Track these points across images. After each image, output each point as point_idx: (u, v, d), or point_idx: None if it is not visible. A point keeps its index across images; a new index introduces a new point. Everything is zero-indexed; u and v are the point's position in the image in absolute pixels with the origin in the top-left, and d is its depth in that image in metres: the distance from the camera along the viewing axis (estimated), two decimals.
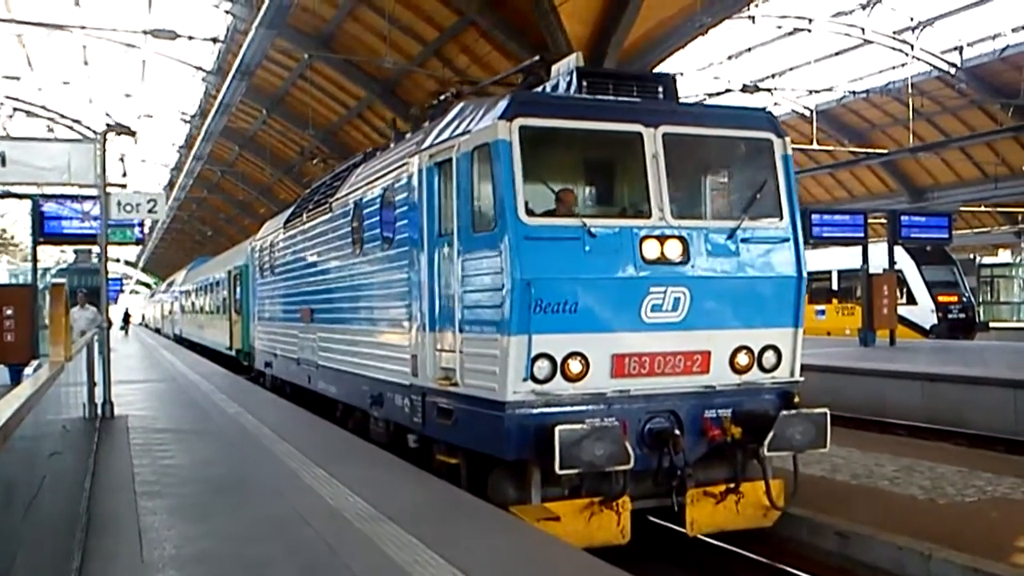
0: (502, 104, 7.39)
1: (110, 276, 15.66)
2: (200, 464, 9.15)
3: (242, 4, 25.37)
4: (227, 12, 26.83)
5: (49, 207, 25.18)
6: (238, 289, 23.29)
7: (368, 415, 10.83)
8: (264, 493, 7.67)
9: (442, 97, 10.18)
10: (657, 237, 7.32)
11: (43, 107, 19.87)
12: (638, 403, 7.28)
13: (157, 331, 56.94)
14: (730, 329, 7.56)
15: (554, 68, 8.32)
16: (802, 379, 7.96)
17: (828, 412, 7.50)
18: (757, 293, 7.67)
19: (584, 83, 7.90)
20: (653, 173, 7.45)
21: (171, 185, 46.41)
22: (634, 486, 7.19)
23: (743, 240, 7.63)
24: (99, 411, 12.58)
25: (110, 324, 14.09)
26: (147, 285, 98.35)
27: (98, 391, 12.73)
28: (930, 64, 29.29)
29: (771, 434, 7.19)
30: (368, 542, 5.99)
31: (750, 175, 8.23)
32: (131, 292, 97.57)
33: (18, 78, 34.48)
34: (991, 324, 32.21)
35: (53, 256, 50.16)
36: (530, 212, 7.12)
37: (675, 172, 7.58)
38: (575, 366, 7.09)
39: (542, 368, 7.02)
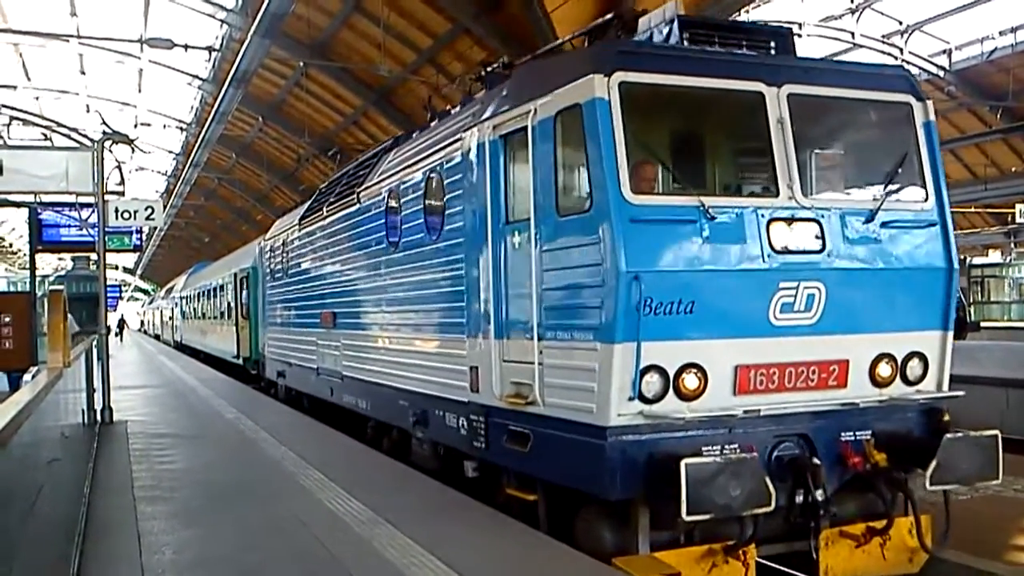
0: (596, 56, 6.14)
1: (108, 283, 15.73)
2: (199, 469, 9.21)
3: (237, 13, 25.46)
4: (222, 21, 26.90)
5: (47, 215, 25.25)
6: (245, 293, 21.66)
7: (409, 435, 9.41)
8: (263, 497, 7.74)
9: (492, 67, 8.66)
10: (786, 220, 6.10)
11: (40, 116, 19.92)
12: (764, 426, 5.99)
13: (156, 337, 56.35)
14: (871, 333, 6.32)
15: (642, 20, 7.01)
16: (960, 393, 6.64)
17: (999, 436, 6.22)
18: (901, 289, 6.41)
19: (686, 35, 6.51)
20: (779, 141, 6.22)
21: (168, 192, 46.43)
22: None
23: (883, 224, 6.35)
24: (98, 416, 12.64)
25: (109, 330, 14.14)
26: (145, 292, 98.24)
27: (97, 396, 12.80)
28: (919, 67, 29.39)
29: (934, 463, 5.90)
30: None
31: (887, 146, 6.94)
32: (129, 299, 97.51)
33: (15, 87, 34.58)
34: (982, 324, 32.27)
35: (51, 264, 50.13)
36: (637, 189, 5.86)
37: (802, 141, 6.36)
38: (691, 381, 5.86)
39: (652, 384, 5.78)
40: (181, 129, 40.07)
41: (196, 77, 32.96)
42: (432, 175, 8.42)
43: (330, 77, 28.42)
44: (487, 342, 7.15)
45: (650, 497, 5.77)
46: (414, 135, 10.41)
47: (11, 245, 64.03)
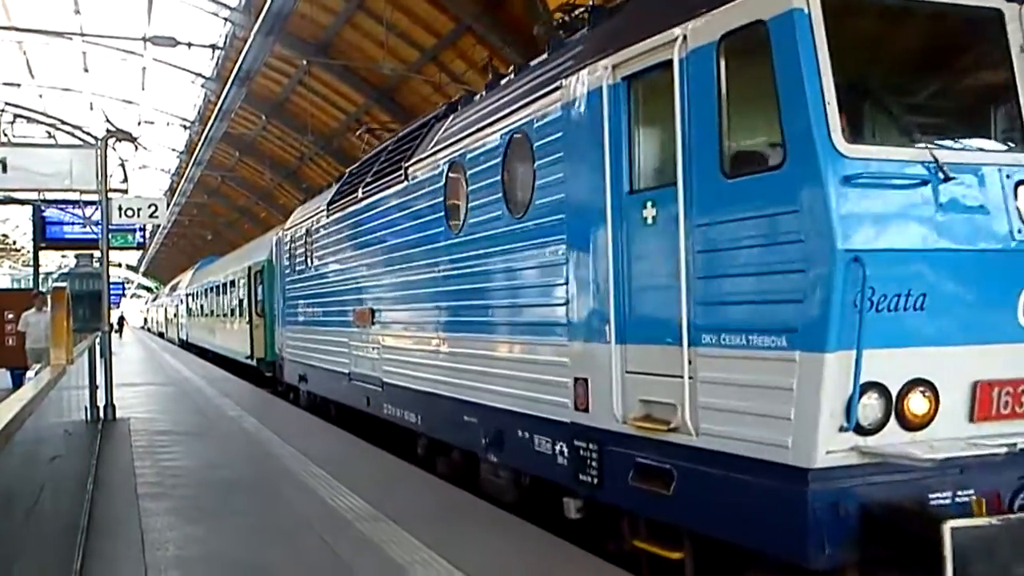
0: None
1: (111, 281, 15.76)
2: (202, 466, 9.22)
3: (240, 11, 25.47)
4: (226, 20, 26.91)
5: (51, 212, 25.34)
6: (260, 289, 20.04)
7: (477, 459, 7.80)
8: (267, 495, 7.75)
9: (580, 10, 7.16)
10: None
11: (44, 113, 19.97)
12: (1007, 464, 4.40)
13: (160, 335, 55.75)
14: None
15: None
16: None
17: None
18: None
19: None
20: None
21: (172, 190, 46.46)
22: None
23: None
24: (101, 414, 12.66)
25: (111, 327, 14.17)
26: (148, 289, 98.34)
27: (100, 394, 12.82)
28: None
29: None
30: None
31: None
32: (132, 296, 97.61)
33: (19, 85, 34.59)
34: None
35: (55, 261, 50.19)
36: (851, 138, 4.36)
37: None
38: (919, 403, 4.36)
39: (870, 408, 4.29)
40: (184, 127, 40.10)
41: (199, 75, 32.96)
42: (515, 138, 6.86)
43: (333, 75, 28.39)
44: (602, 347, 5.60)
45: (868, 566, 4.29)
46: (478, 96, 8.69)
47: (15, 242, 64.09)
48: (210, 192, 51.76)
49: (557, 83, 6.26)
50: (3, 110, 18.64)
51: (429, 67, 24.50)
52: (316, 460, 9.18)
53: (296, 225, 15.03)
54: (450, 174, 8.17)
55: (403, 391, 9.48)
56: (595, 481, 5.79)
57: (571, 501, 6.17)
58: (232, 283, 24.83)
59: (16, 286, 53.43)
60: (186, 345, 37.97)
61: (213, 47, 25.80)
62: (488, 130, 7.38)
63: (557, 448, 6.28)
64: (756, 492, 4.48)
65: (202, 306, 32.94)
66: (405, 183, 9.32)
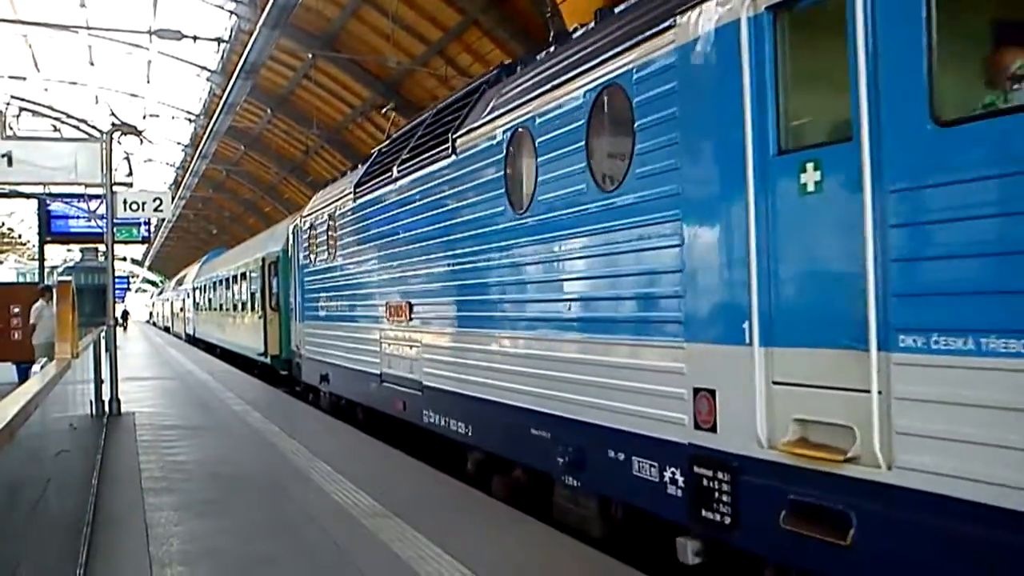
0: None
1: (116, 275, 15.75)
2: (207, 461, 9.21)
3: (246, 4, 25.43)
4: (231, 13, 26.88)
5: (56, 206, 25.38)
6: (274, 281, 18.93)
7: (550, 480, 6.61)
8: (271, 490, 7.73)
9: None
10: None
11: (49, 107, 19.95)
12: None
13: (167, 330, 54.81)
14: None
15: None
16: None
17: None
18: None
19: None
20: None
21: (177, 184, 46.48)
22: None
23: None
24: (106, 408, 12.66)
25: (116, 321, 14.16)
26: (153, 283, 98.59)
27: (105, 388, 12.82)
28: None
29: None
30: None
31: None
32: (137, 290, 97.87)
33: (24, 78, 34.63)
34: None
35: (60, 255, 50.32)
36: None
37: None
38: None
39: None
40: (189, 120, 40.10)
41: (205, 68, 32.96)
42: (606, 94, 5.74)
43: (339, 69, 28.36)
44: (737, 351, 4.50)
45: None
46: (544, 54, 7.44)
47: (20, 236, 64.27)
48: (215, 186, 51.81)
49: (668, 22, 5.07)
50: (8, 103, 18.63)
51: (435, 60, 24.46)
52: (321, 455, 9.17)
53: (316, 211, 13.65)
54: (512, 144, 6.98)
55: (449, 396, 8.19)
56: (726, 520, 4.63)
57: (688, 542, 4.95)
58: (243, 275, 23.55)
59: (22, 280, 53.54)
60: (193, 340, 36.96)
61: (218, 40, 25.71)
62: (566, 88, 6.14)
63: (667, 474, 5.08)
64: (994, 551, 3.33)
65: (210, 300, 31.71)
66: (452, 157, 8.13)
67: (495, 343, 7.31)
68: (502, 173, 7.16)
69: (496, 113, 7.34)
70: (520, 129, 6.87)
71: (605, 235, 5.72)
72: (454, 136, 8.15)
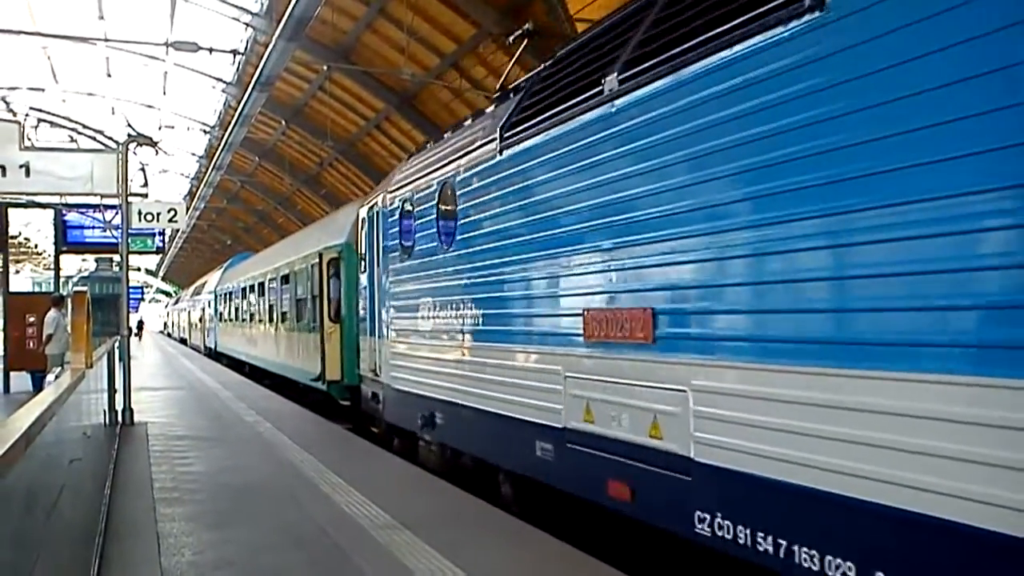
0: None
1: (130, 285, 15.84)
2: (219, 471, 9.22)
3: (262, 17, 25.63)
4: (247, 25, 27.10)
5: (72, 216, 25.54)
6: (332, 284, 14.70)
7: None
8: (283, 501, 7.73)
9: None
10: None
11: (67, 118, 20.15)
12: None
13: (183, 341, 51.63)
14: None
15: None
16: None
17: None
18: None
19: None
20: None
21: (191, 195, 46.80)
22: None
23: None
24: (119, 418, 12.71)
25: (130, 332, 14.24)
26: (167, 294, 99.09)
27: (118, 398, 12.88)
28: None
29: None
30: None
31: None
32: (151, 301, 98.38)
33: (43, 89, 34.99)
34: None
35: (75, 264, 50.65)
36: None
37: None
38: None
39: None
40: (204, 132, 40.40)
41: (220, 80, 33.22)
42: None
43: (353, 81, 28.54)
44: None
45: None
46: None
47: (36, 246, 64.70)
48: (229, 197, 52.11)
49: None
50: (27, 115, 18.82)
51: (450, 73, 24.57)
52: (332, 467, 9.16)
53: (413, 182, 9.70)
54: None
55: (784, 493, 4.16)
56: None
57: None
58: (285, 279, 19.33)
59: (37, 289, 53.91)
60: (214, 355, 33.64)
61: (234, 52, 25.89)
62: None
63: None
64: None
65: (237, 309, 27.66)
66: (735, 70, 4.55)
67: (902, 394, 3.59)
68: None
69: None
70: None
71: None
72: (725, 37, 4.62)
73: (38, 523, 3.47)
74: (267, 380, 20.39)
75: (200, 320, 40.31)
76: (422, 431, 9.50)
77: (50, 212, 25.68)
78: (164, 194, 42.94)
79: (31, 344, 18.96)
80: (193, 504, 7.63)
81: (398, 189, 10.40)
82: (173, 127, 38.77)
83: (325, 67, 24.79)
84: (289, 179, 42.32)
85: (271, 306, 21.09)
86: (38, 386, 17.42)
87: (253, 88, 21.98)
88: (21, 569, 2.96)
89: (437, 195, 8.91)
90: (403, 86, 26.88)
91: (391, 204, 10.63)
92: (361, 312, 12.25)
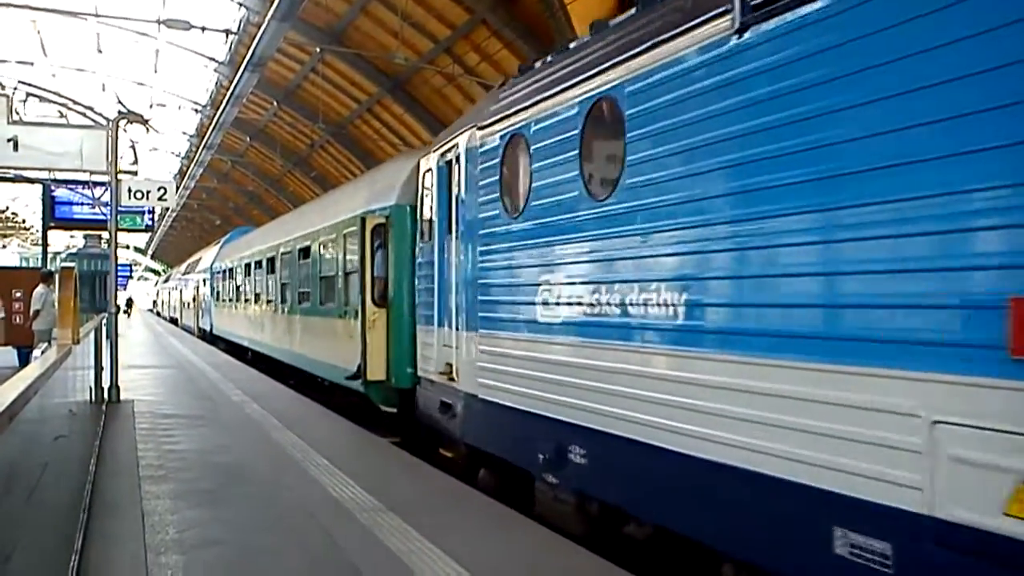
0: None
1: (119, 262, 15.79)
2: (205, 451, 9.23)
3: None
4: (240, 4, 26.92)
5: (60, 192, 25.42)
6: (379, 259, 11.10)
7: None
8: (268, 481, 7.76)
9: None
10: None
11: (56, 93, 20.00)
12: None
13: (173, 321, 49.09)
14: None
15: None
16: None
17: None
18: None
19: None
20: None
21: (181, 174, 46.54)
22: None
23: None
24: (105, 395, 12.70)
25: (118, 309, 14.20)
26: (156, 272, 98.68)
27: (105, 375, 12.86)
28: None
29: None
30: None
31: None
32: (139, 279, 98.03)
33: (32, 63, 34.68)
34: None
35: (63, 240, 50.40)
36: None
37: None
38: None
39: None
40: (196, 111, 40.16)
41: (212, 59, 33.00)
42: None
43: (346, 64, 28.41)
44: None
45: None
46: None
47: (24, 221, 64.34)
48: (220, 177, 51.87)
49: None
50: (16, 88, 18.66)
51: (442, 58, 24.49)
52: (318, 448, 9.19)
53: (521, 112, 7.08)
54: None
55: None
56: None
57: None
58: (304, 252, 16.11)
59: (24, 265, 53.64)
60: (210, 337, 30.41)
61: (227, 32, 25.79)
62: None
63: None
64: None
65: (239, 288, 24.61)
66: None
67: None
68: None
69: None
70: None
71: None
72: None
73: (21, 499, 3.48)
74: (292, 380, 17.02)
75: (194, 300, 37.16)
76: (545, 470, 6.60)
77: (38, 187, 25.56)
78: (154, 172, 42.70)
79: (18, 319, 18.88)
80: (178, 482, 7.64)
81: (498, 121, 7.41)
82: (164, 105, 38.55)
83: (318, 49, 24.72)
84: (280, 160, 42.16)
85: (284, 285, 18.13)
86: (24, 361, 17.36)
87: (245, 68, 21.85)
88: (4, 544, 2.97)
89: (583, 119, 6.11)
90: (396, 70, 26.78)
91: (485, 144, 7.62)
92: (420, 294, 9.76)
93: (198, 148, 38.36)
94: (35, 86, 20.80)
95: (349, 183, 19.36)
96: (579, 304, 6.11)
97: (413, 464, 8.61)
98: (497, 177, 7.40)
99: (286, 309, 17.73)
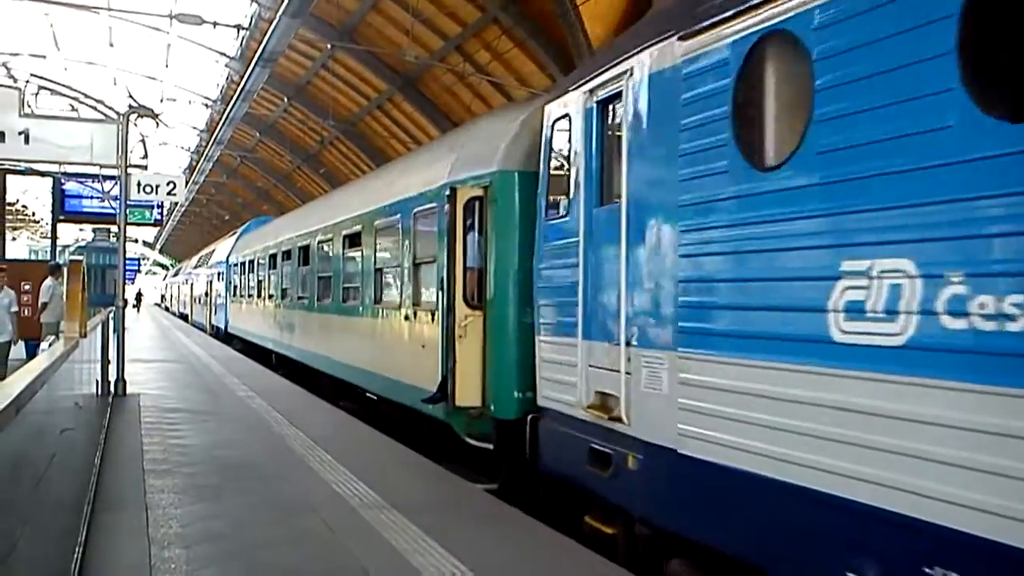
0: None
1: (127, 256, 15.82)
2: (209, 445, 9.25)
3: None
4: (252, 0, 26.98)
5: (70, 186, 25.50)
6: (473, 244, 8.38)
7: None
8: (271, 476, 7.77)
9: None
10: None
11: (68, 86, 20.07)
12: None
13: (183, 317, 45.76)
14: None
15: None
16: None
17: None
18: None
19: None
20: None
21: (191, 168, 46.65)
22: None
23: None
24: (112, 388, 12.74)
25: (126, 303, 14.24)
26: (164, 266, 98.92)
27: (112, 368, 12.90)
28: None
29: None
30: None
31: None
32: (148, 273, 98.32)
33: (44, 56, 34.81)
34: None
35: (72, 234, 50.56)
36: None
37: None
38: None
39: None
40: (206, 106, 40.24)
41: (223, 55, 33.06)
42: None
43: (356, 61, 28.43)
44: None
45: None
46: None
47: (34, 214, 64.56)
48: (229, 172, 52.00)
49: None
50: (28, 81, 18.71)
51: (453, 56, 24.49)
52: (322, 444, 9.20)
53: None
54: None
55: None
56: None
57: None
58: (352, 239, 13.21)
59: (34, 257, 53.83)
60: (224, 336, 27.88)
61: (238, 27, 25.80)
62: None
63: None
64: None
65: (260, 282, 21.85)
66: None
67: None
68: None
69: None
70: None
71: None
72: None
73: (26, 490, 3.49)
74: (343, 402, 13.70)
75: (206, 295, 33.92)
76: None
77: (48, 180, 25.65)
78: (164, 166, 42.86)
79: (26, 312, 18.94)
80: (182, 477, 7.67)
81: (730, 19, 4.78)
82: (175, 100, 38.59)
83: (328, 46, 24.72)
84: (289, 156, 42.23)
85: (325, 279, 14.96)
86: (32, 354, 17.41)
87: (256, 64, 21.91)
88: (9, 535, 2.98)
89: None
90: (406, 68, 26.78)
91: (700, 60, 5.03)
92: (544, 292, 7.13)
93: (208, 143, 38.46)
94: (47, 79, 20.87)
95: (410, 154, 16.09)
96: (954, 315, 3.36)
97: (417, 461, 8.57)
98: (728, 108, 4.75)
99: (327, 309, 14.68)
